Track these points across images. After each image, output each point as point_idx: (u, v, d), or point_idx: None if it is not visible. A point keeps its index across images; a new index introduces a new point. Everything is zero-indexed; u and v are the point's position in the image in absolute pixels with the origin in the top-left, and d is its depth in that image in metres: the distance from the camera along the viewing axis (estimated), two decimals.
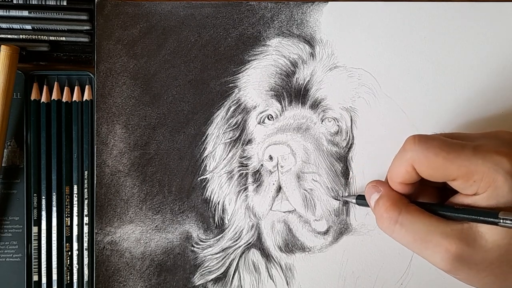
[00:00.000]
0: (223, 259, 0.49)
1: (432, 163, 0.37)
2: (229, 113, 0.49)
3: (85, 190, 0.49)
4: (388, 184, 0.42)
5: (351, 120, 0.49)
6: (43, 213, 0.49)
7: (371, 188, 0.43)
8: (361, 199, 0.46)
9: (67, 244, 0.49)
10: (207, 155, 0.49)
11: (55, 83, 0.50)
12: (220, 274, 0.49)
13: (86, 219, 0.49)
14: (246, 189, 0.49)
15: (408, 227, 0.38)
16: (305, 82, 0.49)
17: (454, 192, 0.39)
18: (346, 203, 0.48)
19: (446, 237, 0.36)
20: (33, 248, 0.49)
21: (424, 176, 0.38)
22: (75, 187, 0.49)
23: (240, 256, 0.49)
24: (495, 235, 0.36)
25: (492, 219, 0.35)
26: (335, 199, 0.48)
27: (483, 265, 0.36)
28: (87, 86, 0.50)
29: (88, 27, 0.49)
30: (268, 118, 0.49)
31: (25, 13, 0.49)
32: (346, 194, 0.48)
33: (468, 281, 0.38)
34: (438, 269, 0.45)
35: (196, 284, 0.48)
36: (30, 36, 0.49)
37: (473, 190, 0.37)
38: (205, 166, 0.49)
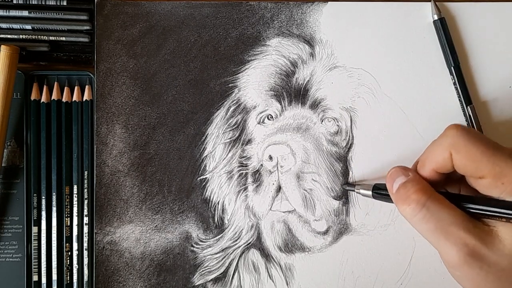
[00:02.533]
0: (222, 259, 0.49)
1: (470, 154, 0.37)
2: (229, 113, 0.49)
3: (85, 190, 0.49)
4: (416, 172, 0.42)
5: (351, 120, 0.49)
6: (43, 213, 0.49)
7: (397, 171, 0.42)
8: (379, 190, 0.45)
9: (67, 244, 0.49)
10: (206, 155, 0.49)
11: (55, 83, 0.50)
12: (220, 274, 0.49)
13: (86, 219, 0.49)
14: (245, 189, 0.49)
15: (433, 213, 0.38)
16: (305, 82, 0.49)
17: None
18: (346, 203, 0.48)
19: (468, 232, 0.37)
20: (33, 248, 0.49)
21: (457, 166, 0.39)
22: (75, 187, 0.49)
23: (240, 256, 0.49)
24: None
25: None
26: (344, 189, 0.48)
27: (495, 268, 0.36)
28: (87, 86, 0.50)
29: (88, 27, 0.49)
30: (268, 118, 0.49)
31: (25, 13, 0.49)
32: (353, 183, 0.48)
33: (473, 284, 0.38)
34: (437, 269, 0.45)
35: (196, 284, 0.48)
36: (30, 36, 0.49)
37: (498, 192, 0.37)
38: (205, 166, 0.49)
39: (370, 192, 0.45)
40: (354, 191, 0.47)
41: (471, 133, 0.38)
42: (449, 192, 0.42)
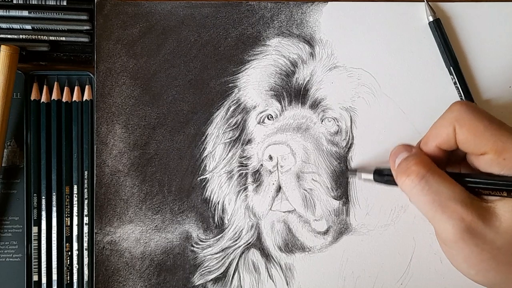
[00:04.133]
0: (222, 259, 0.49)
1: (473, 128, 0.38)
2: (229, 113, 0.49)
3: (85, 190, 0.49)
4: (419, 148, 0.42)
5: (351, 120, 0.49)
6: (43, 213, 0.49)
7: (400, 148, 0.43)
8: (380, 173, 0.45)
9: (67, 244, 0.49)
10: (206, 155, 0.49)
11: (55, 83, 0.50)
12: (220, 274, 0.49)
13: (86, 219, 0.49)
14: (246, 189, 0.49)
15: (432, 185, 0.38)
16: (305, 82, 0.49)
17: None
18: (346, 203, 0.48)
19: (466, 207, 0.37)
20: (33, 248, 0.49)
21: (460, 141, 0.39)
22: (75, 187, 0.49)
23: (240, 256, 0.49)
24: (510, 220, 0.36)
25: None
26: (349, 174, 0.48)
27: (490, 246, 0.36)
28: (87, 86, 0.50)
29: (88, 27, 0.49)
30: (268, 118, 0.49)
31: (25, 13, 0.49)
32: (355, 169, 0.48)
33: (467, 262, 0.38)
34: (437, 269, 0.45)
35: (196, 284, 0.48)
36: (30, 36, 0.49)
37: (499, 169, 0.37)
38: (205, 166, 0.49)
39: (371, 176, 0.46)
40: (355, 175, 0.48)
41: (475, 109, 0.39)
42: (450, 171, 0.41)
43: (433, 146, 0.41)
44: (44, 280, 0.49)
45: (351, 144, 0.49)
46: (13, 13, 0.49)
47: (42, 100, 0.49)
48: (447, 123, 0.39)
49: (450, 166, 0.43)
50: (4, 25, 0.49)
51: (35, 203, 0.49)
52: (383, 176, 0.45)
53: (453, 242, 0.37)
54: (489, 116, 0.38)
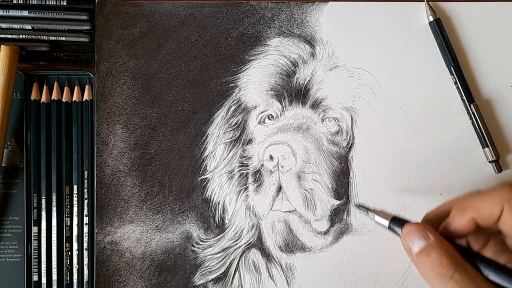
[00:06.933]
0: (223, 259, 0.49)
1: None
2: (229, 113, 0.49)
3: (85, 190, 0.49)
4: (436, 232, 0.38)
5: (352, 120, 0.49)
6: (43, 213, 0.49)
7: (414, 232, 0.38)
8: (396, 224, 0.40)
9: (67, 244, 0.49)
10: (207, 155, 0.49)
11: (55, 83, 0.50)
12: (221, 274, 0.49)
13: (86, 219, 0.49)
14: (246, 189, 0.49)
15: (461, 286, 0.36)
16: (305, 82, 0.49)
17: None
18: (346, 203, 0.48)
19: None
20: (33, 248, 0.49)
21: (505, 223, 0.36)
22: (75, 187, 0.49)
23: (241, 256, 0.49)
24: None
25: None
26: (358, 208, 0.47)
27: None
28: (87, 86, 0.50)
29: (88, 27, 0.49)
30: (268, 118, 0.49)
31: (25, 13, 0.49)
32: (367, 207, 0.44)
33: None
34: None
35: (197, 284, 0.48)
36: (30, 36, 0.49)
37: None
38: (206, 166, 0.49)
39: (386, 222, 0.41)
40: (367, 215, 0.43)
41: None
42: (478, 253, 0.38)
43: (470, 219, 0.37)
44: (44, 280, 0.49)
45: (351, 144, 0.49)
46: (13, 13, 0.49)
47: (42, 100, 0.49)
48: (495, 201, 0.36)
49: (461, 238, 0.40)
50: (4, 25, 0.49)
51: (35, 203, 0.49)
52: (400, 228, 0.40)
53: None
54: None
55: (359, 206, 0.48)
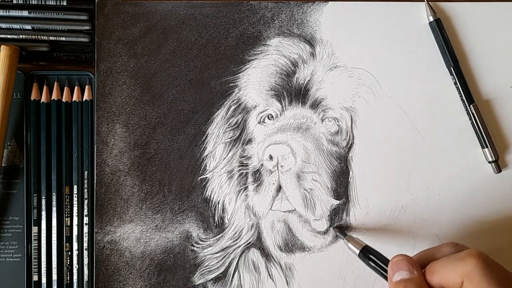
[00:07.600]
0: (223, 258, 0.49)
1: None
2: (229, 113, 0.49)
3: (85, 190, 0.49)
4: (421, 272, 0.39)
5: (351, 119, 0.49)
6: (43, 213, 0.49)
7: (403, 263, 0.40)
8: (367, 254, 0.43)
9: (67, 244, 0.49)
10: (207, 155, 0.49)
11: (55, 83, 0.50)
12: (220, 274, 0.49)
13: (86, 219, 0.49)
14: (246, 188, 0.49)
15: None
16: (305, 82, 0.49)
17: None
18: (346, 203, 0.48)
19: None
20: (33, 248, 0.49)
21: None
22: (75, 187, 0.49)
23: (240, 256, 0.49)
24: None
25: None
26: (335, 231, 0.48)
27: None
28: (87, 86, 0.50)
29: (88, 27, 0.49)
30: (268, 117, 0.49)
31: (25, 13, 0.49)
32: (345, 232, 0.47)
33: None
34: None
35: (196, 283, 0.48)
36: (30, 36, 0.49)
37: None
38: (205, 165, 0.49)
39: (357, 251, 0.44)
40: (343, 240, 0.46)
41: (489, 267, 0.36)
42: None
43: (437, 283, 0.38)
44: (44, 280, 0.49)
45: (351, 144, 0.49)
46: (13, 13, 0.49)
47: (42, 100, 0.49)
48: (457, 274, 0.37)
49: None
50: (4, 25, 0.49)
51: (35, 203, 0.49)
52: (368, 260, 0.43)
53: None
54: (502, 277, 0.36)
55: (337, 229, 0.48)
